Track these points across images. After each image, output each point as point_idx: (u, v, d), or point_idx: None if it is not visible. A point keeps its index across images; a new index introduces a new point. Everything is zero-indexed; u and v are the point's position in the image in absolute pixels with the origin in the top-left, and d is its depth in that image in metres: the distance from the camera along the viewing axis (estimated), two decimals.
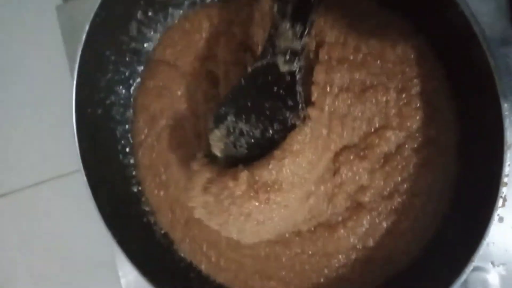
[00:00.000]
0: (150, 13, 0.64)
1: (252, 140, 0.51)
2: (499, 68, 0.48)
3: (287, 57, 0.48)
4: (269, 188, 0.49)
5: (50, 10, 0.73)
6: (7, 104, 0.81)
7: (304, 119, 0.51)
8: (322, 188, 0.56)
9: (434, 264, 0.56)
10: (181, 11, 0.65)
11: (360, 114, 0.55)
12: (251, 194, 0.48)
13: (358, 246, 0.58)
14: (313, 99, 0.54)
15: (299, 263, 0.61)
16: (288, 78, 0.49)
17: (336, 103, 0.55)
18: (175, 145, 0.64)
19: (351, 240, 0.58)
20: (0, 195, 0.81)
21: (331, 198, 0.57)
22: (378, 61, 0.55)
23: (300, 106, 0.50)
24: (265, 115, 0.50)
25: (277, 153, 0.49)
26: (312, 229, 0.59)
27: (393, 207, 0.57)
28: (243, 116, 0.51)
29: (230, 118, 0.51)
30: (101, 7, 0.56)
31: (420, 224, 0.57)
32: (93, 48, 0.58)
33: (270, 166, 0.49)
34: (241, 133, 0.51)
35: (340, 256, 0.59)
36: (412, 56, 0.55)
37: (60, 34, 0.73)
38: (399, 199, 0.56)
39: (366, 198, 0.56)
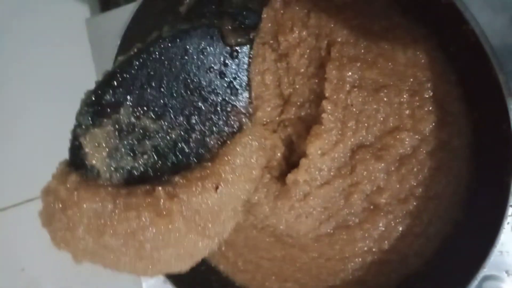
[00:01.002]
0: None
1: (164, 146, 0.33)
2: (508, 82, 0.48)
3: (240, 20, 0.32)
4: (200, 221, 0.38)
5: (79, 22, 0.76)
6: (35, 117, 0.85)
7: (251, 118, 0.37)
8: (338, 181, 0.57)
9: (446, 269, 0.57)
10: None
11: (374, 112, 0.56)
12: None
13: (374, 249, 0.59)
14: (327, 94, 0.55)
15: (315, 267, 0.61)
16: (236, 55, 0.34)
17: (349, 99, 0.55)
18: None
19: (367, 242, 0.59)
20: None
21: (348, 196, 0.57)
22: (390, 63, 0.56)
23: (247, 99, 0.35)
24: (194, 108, 0.33)
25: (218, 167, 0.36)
26: (331, 231, 0.59)
27: (408, 211, 0.57)
28: (151, 108, 0.32)
29: (126, 110, 0.33)
30: (133, 21, 0.57)
31: (433, 228, 0.58)
32: None
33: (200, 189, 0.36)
34: (145, 135, 0.33)
35: (356, 259, 0.60)
36: (423, 60, 0.55)
37: (89, 47, 0.76)
38: (414, 203, 0.57)
39: (382, 199, 0.57)
